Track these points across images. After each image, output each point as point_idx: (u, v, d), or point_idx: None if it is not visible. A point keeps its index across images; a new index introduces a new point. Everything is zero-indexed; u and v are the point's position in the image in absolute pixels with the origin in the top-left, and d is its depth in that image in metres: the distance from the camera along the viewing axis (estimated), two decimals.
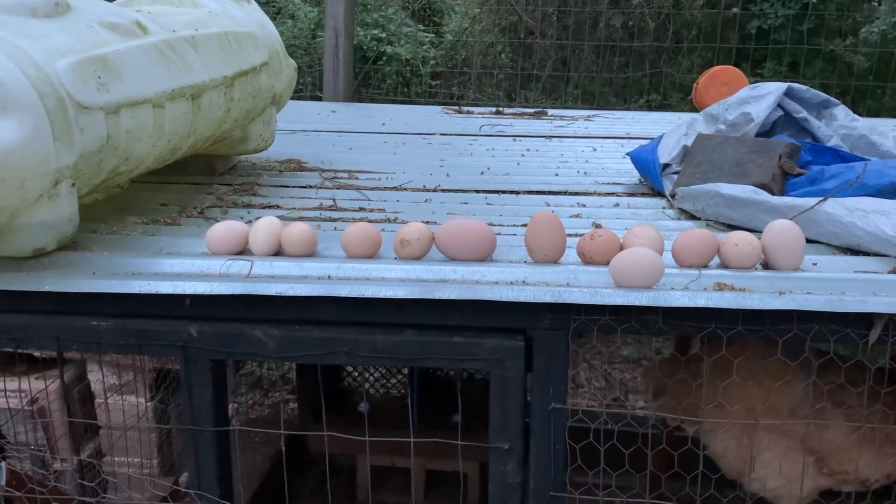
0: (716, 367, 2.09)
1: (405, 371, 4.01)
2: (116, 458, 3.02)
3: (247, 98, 2.64)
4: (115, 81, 1.91)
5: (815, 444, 2.28)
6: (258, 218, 2.00)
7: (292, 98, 3.37)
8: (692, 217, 2.40)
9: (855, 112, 2.76)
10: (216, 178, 2.86)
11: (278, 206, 2.47)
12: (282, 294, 1.73)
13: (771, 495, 2.38)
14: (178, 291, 1.75)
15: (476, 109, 5.08)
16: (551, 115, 4.83)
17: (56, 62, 1.77)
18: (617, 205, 2.61)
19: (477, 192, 2.79)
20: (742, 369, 2.02)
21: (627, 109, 6.72)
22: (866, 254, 1.94)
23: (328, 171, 3.02)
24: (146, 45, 2.11)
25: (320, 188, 2.76)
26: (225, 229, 1.93)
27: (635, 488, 1.91)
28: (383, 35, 8.37)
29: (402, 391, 4.09)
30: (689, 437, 2.39)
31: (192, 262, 1.87)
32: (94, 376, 2.75)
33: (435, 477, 3.57)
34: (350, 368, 4.15)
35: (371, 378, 4.17)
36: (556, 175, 3.07)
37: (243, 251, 1.93)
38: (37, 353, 2.53)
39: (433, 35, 9.00)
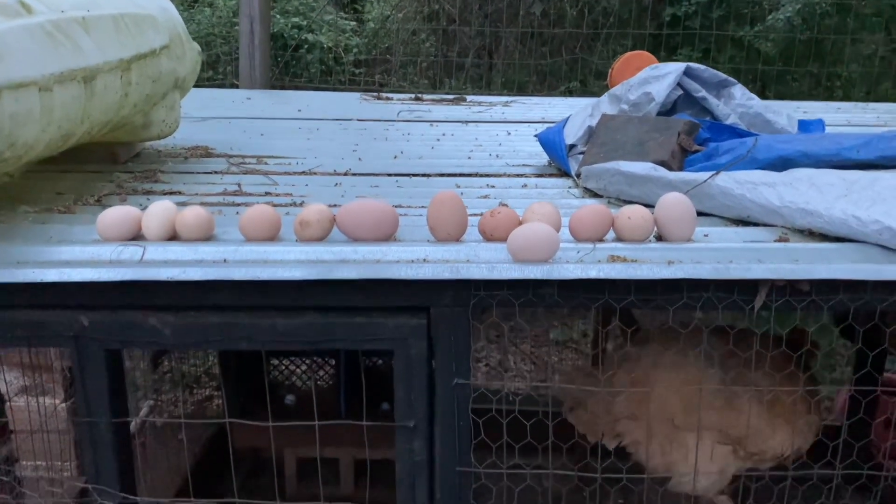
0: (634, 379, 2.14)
1: (333, 362, 3.98)
2: (29, 462, 2.90)
3: (146, 82, 2.55)
4: None
5: (732, 429, 2.36)
6: None
7: (207, 86, 3.28)
8: (596, 195, 2.45)
9: (764, 96, 2.87)
10: (119, 167, 2.77)
11: (180, 193, 2.40)
12: (174, 279, 1.68)
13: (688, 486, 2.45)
14: (65, 279, 1.68)
15: (396, 96, 5.05)
16: (470, 101, 4.85)
17: None
18: (525, 185, 2.64)
19: (388, 175, 2.78)
20: (656, 376, 2.07)
21: (549, 96, 6.80)
22: (756, 224, 2.02)
23: (236, 156, 2.96)
24: (30, 25, 2.01)
25: (226, 174, 2.69)
26: (117, 214, 1.86)
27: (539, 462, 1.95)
28: (304, 22, 8.23)
29: (331, 382, 4.05)
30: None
31: (83, 250, 1.80)
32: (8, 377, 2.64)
33: (366, 466, 3.55)
34: (276, 361, 4.09)
35: (298, 371, 4.12)
36: (469, 158, 3.09)
37: (137, 237, 1.87)
38: None
39: (355, 23, 8.91)
